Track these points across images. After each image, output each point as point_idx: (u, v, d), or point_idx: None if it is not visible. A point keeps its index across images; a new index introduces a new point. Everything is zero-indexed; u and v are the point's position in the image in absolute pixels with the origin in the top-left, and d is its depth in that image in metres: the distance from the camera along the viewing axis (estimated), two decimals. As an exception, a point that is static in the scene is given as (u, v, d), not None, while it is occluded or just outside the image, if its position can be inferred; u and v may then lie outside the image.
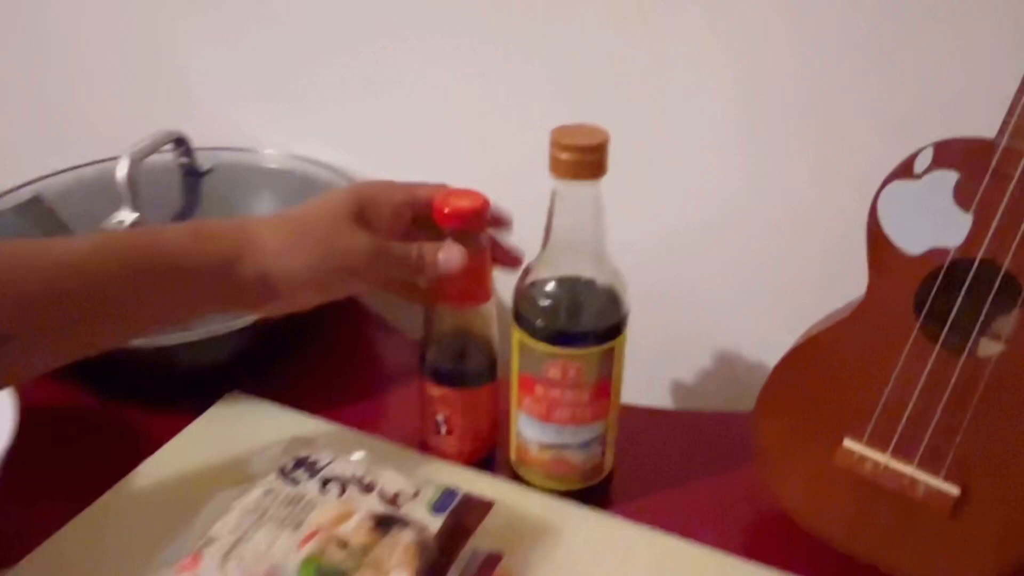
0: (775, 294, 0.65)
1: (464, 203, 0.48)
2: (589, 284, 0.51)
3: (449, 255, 0.48)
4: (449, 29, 0.70)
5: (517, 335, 0.51)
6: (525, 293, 0.50)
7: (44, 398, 0.61)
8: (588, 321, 0.50)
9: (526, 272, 0.51)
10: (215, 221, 0.47)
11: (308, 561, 0.43)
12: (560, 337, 0.49)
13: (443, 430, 0.56)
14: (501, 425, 0.57)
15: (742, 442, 0.55)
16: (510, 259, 0.53)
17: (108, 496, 0.54)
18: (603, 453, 0.54)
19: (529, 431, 0.53)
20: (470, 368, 0.55)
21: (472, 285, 0.51)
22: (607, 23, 0.64)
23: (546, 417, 0.51)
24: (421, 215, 0.50)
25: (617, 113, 0.54)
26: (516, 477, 0.57)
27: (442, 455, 0.57)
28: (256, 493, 0.48)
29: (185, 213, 0.80)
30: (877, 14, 0.57)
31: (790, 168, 0.63)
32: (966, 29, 0.54)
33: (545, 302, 0.50)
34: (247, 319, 0.60)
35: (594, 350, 0.49)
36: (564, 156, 0.44)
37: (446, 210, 0.48)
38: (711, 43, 0.62)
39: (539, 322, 0.49)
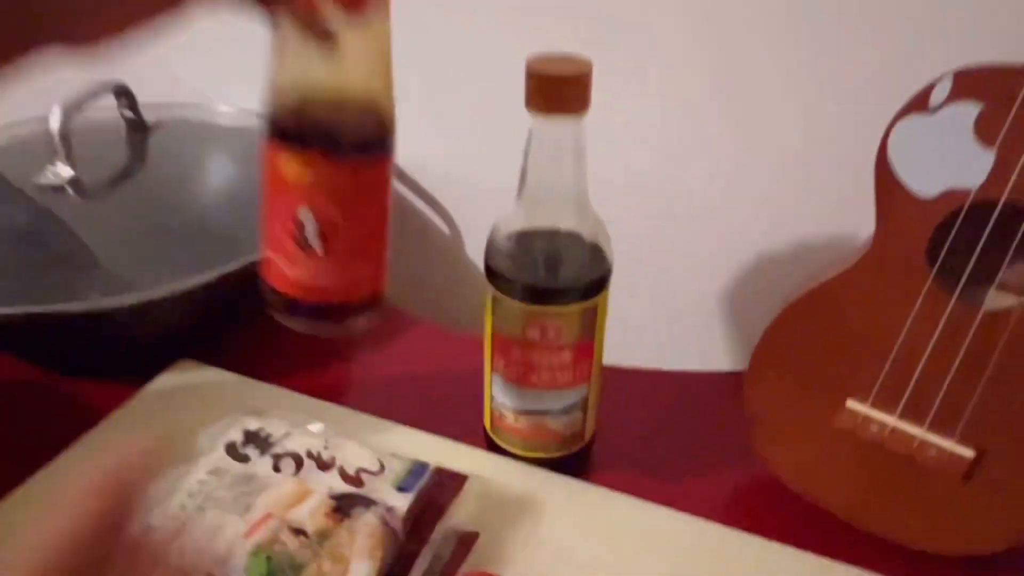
0: (773, 245, 0.63)
1: None
2: (569, 236, 0.46)
3: None
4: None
5: (491, 293, 0.46)
6: (499, 246, 0.46)
7: None
8: (569, 276, 0.46)
9: (499, 223, 0.46)
10: None
11: (258, 551, 0.39)
12: (539, 294, 0.45)
13: (311, 241, 0.34)
14: (473, 385, 0.52)
15: (733, 404, 0.53)
16: None
17: (45, 472, 0.50)
18: (584, 419, 0.50)
19: (505, 397, 0.49)
20: (355, 125, 0.35)
21: None
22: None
23: (523, 382, 0.47)
24: None
25: (604, 44, 0.49)
26: (491, 446, 0.53)
27: (303, 290, 0.36)
28: (200, 473, 0.45)
29: (129, 171, 0.76)
30: None
31: (785, 109, 0.60)
32: None
33: (521, 256, 0.46)
34: (201, 280, 0.55)
35: (575, 308, 0.45)
36: (541, 87, 0.40)
37: None
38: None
39: (515, 278, 0.45)
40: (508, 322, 0.46)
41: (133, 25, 0.33)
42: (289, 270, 0.35)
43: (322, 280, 0.35)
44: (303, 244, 0.34)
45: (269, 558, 0.39)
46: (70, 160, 0.68)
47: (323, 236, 0.34)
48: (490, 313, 0.47)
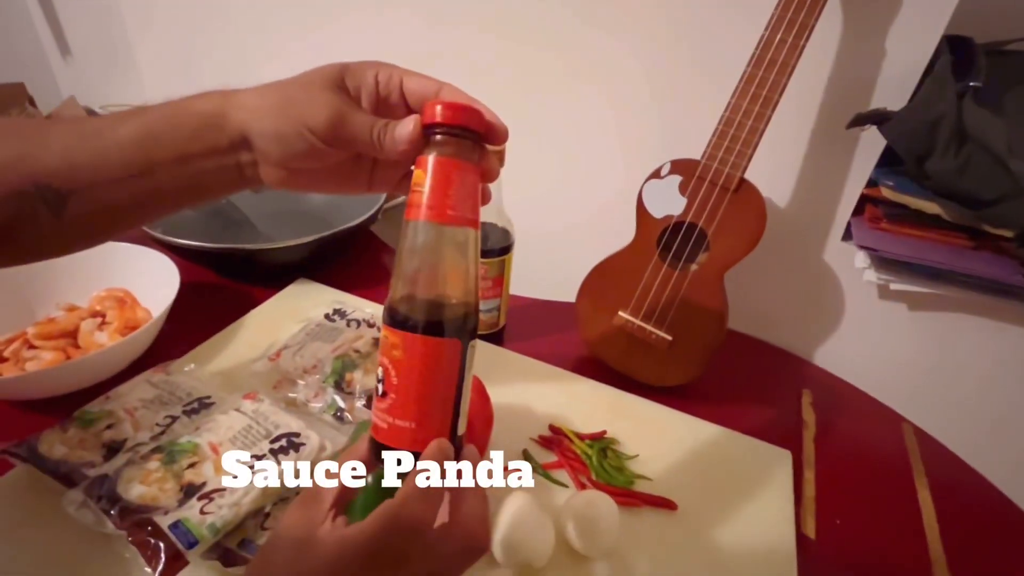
0: (594, 235, 0.65)
1: (457, 98, 0.29)
2: (492, 225, 0.57)
3: (404, 126, 0.28)
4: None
5: None
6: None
7: (196, 276, 0.68)
8: (492, 244, 0.56)
9: None
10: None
11: (337, 358, 0.53)
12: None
13: (379, 388, 0.28)
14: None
15: (570, 316, 0.63)
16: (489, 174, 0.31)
17: (229, 328, 0.62)
18: (499, 315, 0.62)
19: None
20: (429, 309, 0.28)
21: (448, 197, 0.27)
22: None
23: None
24: (409, 102, 0.31)
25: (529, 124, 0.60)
26: None
27: (375, 428, 0.29)
28: (311, 325, 0.58)
29: None
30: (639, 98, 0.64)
31: (609, 172, 0.69)
32: (685, 98, 0.61)
33: None
34: (313, 236, 0.65)
35: (495, 260, 0.57)
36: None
37: (436, 106, 0.28)
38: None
39: None
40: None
41: (330, 193, 0.34)
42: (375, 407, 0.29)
43: (378, 419, 0.28)
44: (377, 390, 0.28)
45: (342, 360, 0.52)
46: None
47: (386, 387, 0.28)
48: None
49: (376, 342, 0.55)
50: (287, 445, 0.43)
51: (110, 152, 0.29)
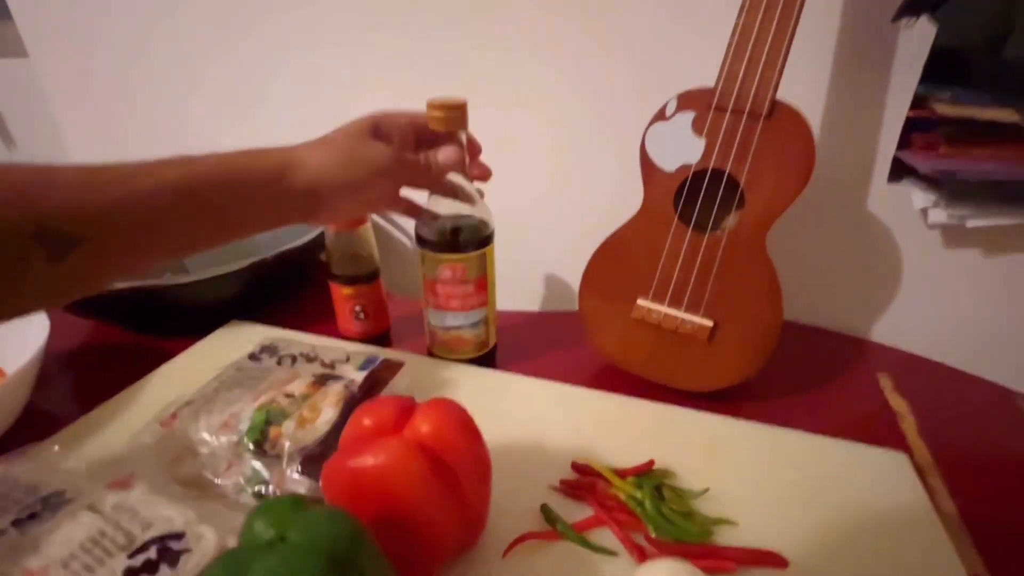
0: (585, 214, 0.57)
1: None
2: (467, 217, 0.43)
3: (447, 152, 0.38)
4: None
5: (420, 253, 0.44)
6: (424, 223, 0.43)
7: (100, 335, 0.51)
8: (467, 236, 0.43)
9: (424, 211, 0.43)
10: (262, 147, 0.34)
11: (260, 408, 0.36)
12: (448, 247, 0.42)
13: (361, 316, 0.51)
14: (417, 322, 0.50)
15: (574, 326, 0.50)
16: (482, 170, 0.42)
17: (124, 392, 0.44)
18: (487, 331, 0.47)
19: (435, 320, 0.46)
20: (372, 270, 0.50)
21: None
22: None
23: (445, 307, 0.45)
24: (422, 135, 0.39)
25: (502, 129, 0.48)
26: (431, 355, 0.49)
27: (361, 335, 0.51)
28: (228, 371, 0.41)
29: None
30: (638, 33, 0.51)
31: (600, 135, 0.56)
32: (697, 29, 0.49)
33: (437, 226, 0.43)
34: (239, 265, 0.50)
35: (472, 255, 0.43)
36: (436, 114, 0.38)
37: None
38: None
39: (434, 240, 0.42)
40: (432, 270, 0.43)
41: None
42: (351, 328, 0.51)
43: (365, 331, 0.51)
44: (357, 317, 0.50)
45: (267, 410, 0.35)
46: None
47: (365, 314, 0.50)
48: (421, 267, 0.44)
49: (317, 381, 0.38)
50: (157, 557, 0.25)
51: (145, 197, 0.28)
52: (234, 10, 0.62)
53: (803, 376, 0.48)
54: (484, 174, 0.42)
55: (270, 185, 0.32)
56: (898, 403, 0.46)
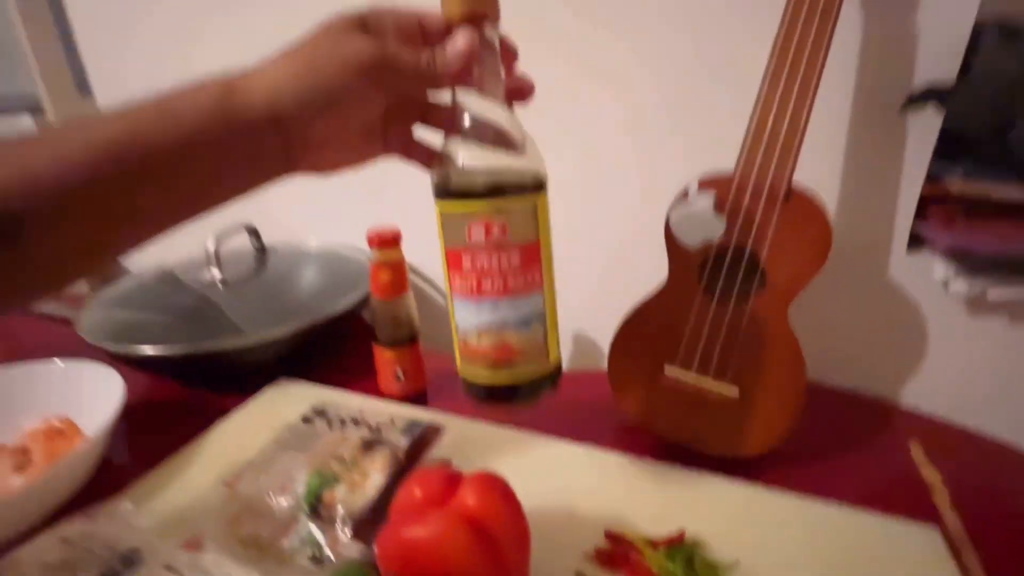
0: (617, 280, 0.58)
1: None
2: (504, 170, 0.28)
3: (456, 40, 0.27)
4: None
5: (439, 211, 0.29)
6: (442, 161, 0.29)
7: (160, 392, 0.55)
8: (507, 179, 0.28)
9: (442, 158, 0.29)
10: None
11: (314, 473, 0.38)
12: (478, 192, 0.28)
13: (402, 377, 0.53)
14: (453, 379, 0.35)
15: (600, 387, 0.49)
16: (522, 83, 0.30)
17: (185, 450, 0.47)
18: (545, 335, 0.31)
19: (465, 317, 0.30)
20: (412, 334, 0.52)
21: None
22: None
23: (478, 291, 0.29)
24: (432, 37, 0.28)
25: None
26: (465, 387, 0.33)
27: (401, 395, 0.54)
28: (284, 433, 0.44)
29: (253, 274, 0.74)
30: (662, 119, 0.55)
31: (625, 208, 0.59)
32: (712, 117, 0.53)
33: (460, 161, 0.28)
34: (290, 328, 0.54)
35: (515, 202, 0.28)
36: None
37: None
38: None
39: (455, 180, 0.28)
40: (456, 232, 0.29)
41: (349, 167, 0.30)
42: (392, 389, 0.54)
43: (406, 393, 0.53)
44: (398, 379, 0.53)
45: (320, 474, 0.38)
46: (219, 266, 0.68)
47: (405, 375, 0.53)
48: (441, 233, 0.30)
49: (365, 446, 0.41)
50: (230, 619, 0.27)
51: (79, 158, 0.23)
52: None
53: (833, 441, 0.48)
54: (524, 88, 0.30)
55: (216, 116, 0.24)
56: (931, 473, 0.46)
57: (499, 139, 0.28)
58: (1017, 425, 0.50)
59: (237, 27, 0.72)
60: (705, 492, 0.41)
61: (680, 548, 0.35)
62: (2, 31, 1.24)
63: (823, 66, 0.39)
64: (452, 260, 0.29)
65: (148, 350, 0.52)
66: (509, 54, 0.30)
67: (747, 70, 0.42)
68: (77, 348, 0.55)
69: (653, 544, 0.36)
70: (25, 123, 1.41)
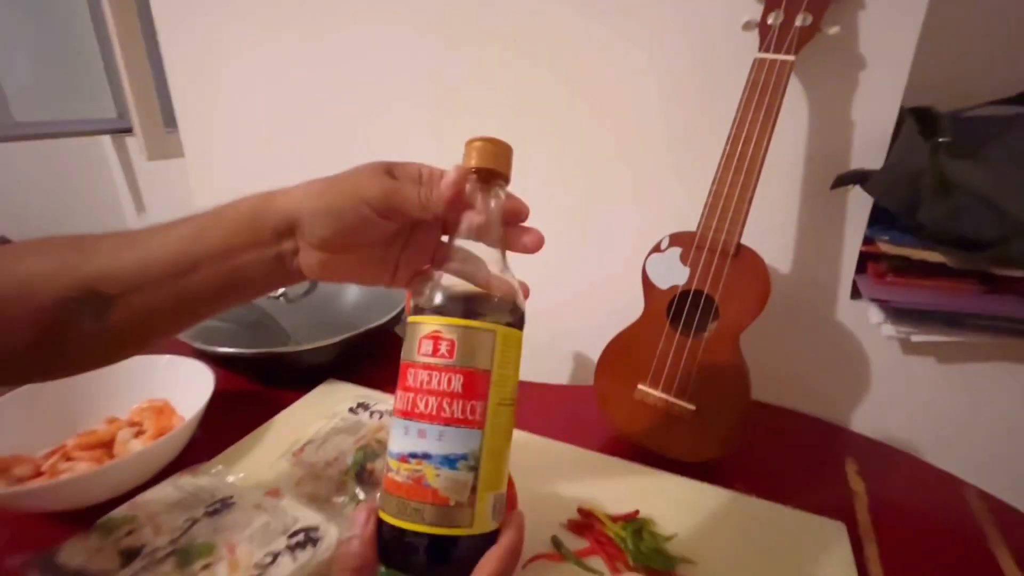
0: (603, 311, 0.62)
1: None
2: (480, 272, 0.29)
3: (447, 176, 0.29)
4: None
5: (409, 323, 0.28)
6: (423, 281, 0.29)
7: (231, 384, 0.67)
8: (473, 303, 0.27)
9: (426, 279, 0.29)
10: None
11: (359, 449, 0.50)
12: (435, 307, 0.27)
13: None
14: None
15: (589, 399, 0.58)
16: (530, 237, 0.31)
17: (257, 430, 0.59)
18: (475, 487, 0.26)
19: (393, 439, 0.27)
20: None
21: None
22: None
23: (411, 410, 0.26)
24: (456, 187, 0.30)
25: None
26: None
27: None
28: (335, 420, 0.56)
29: (307, 292, 0.84)
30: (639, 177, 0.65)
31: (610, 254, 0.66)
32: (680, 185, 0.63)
33: (435, 282, 0.28)
34: (336, 338, 0.65)
35: (471, 324, 0.26)
36: (475, 143, 0.29)
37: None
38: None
39: (424, 297, 0.28)
40: (409, 345, 0.27)
41: (357, 281, 0.33)
42: None
43: None
44: None
45: (363, 450, 0.49)
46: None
47: None
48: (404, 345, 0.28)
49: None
50: (304, 540, 0.39)
51: (156, 253, 0.29)
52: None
53: (779, 454, 0.58)
54: (533, 241, 0.31)
55: (252, 220, 0.29)
56: (857, 484, 0.55)
57: (477, 277, 0.28)
58: (939, 445, 0.59)
59: (315, 82, 0.81)
60: (660, 484, 0.52)
61: (633, 522, 0.46)
62: (95, 63, 1.43)
63: (764, 156, 0.50)
64: (400, 375, 0.27)
65: (229, 349, 0.64)
66: (517, 210, 0.31)
67: (710, 152, 0.53)
68: (168, 344, 0.67)
69: (613, 519, 0.46)
70: (104, 144, 1.60)
